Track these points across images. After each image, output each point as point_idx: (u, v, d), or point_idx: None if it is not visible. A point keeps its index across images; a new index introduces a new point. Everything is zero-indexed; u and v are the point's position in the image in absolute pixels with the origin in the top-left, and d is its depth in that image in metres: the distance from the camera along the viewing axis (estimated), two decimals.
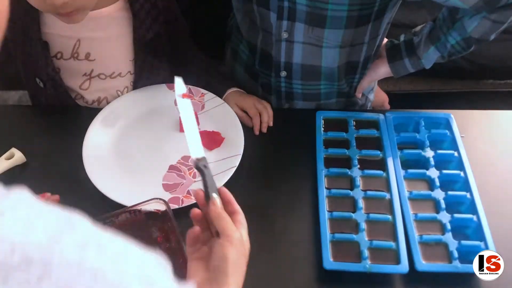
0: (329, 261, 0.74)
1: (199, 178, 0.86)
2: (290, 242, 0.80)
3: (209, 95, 1.01)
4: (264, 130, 0.97)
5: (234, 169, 0.87)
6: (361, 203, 0.82)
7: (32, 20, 0.91)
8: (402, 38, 0.97)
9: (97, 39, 0.95)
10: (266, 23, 0.92)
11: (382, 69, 1.00)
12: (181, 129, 0.96)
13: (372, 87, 1.15)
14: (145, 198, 0.78)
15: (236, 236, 0.56)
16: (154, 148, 0.94)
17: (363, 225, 0.79)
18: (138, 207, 0.76)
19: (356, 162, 0.88)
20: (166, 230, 0.76)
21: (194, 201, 0.80)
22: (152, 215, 0.77)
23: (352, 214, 0.81)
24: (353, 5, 0.84)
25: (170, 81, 1.07)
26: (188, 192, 0.85)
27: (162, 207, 0.76)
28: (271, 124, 0.97)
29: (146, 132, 0.96)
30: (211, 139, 0.94)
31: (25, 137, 0.97)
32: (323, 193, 0.83)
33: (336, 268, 0.74)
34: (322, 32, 0.89)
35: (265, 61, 1.00)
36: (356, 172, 0.87)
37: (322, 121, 0.95)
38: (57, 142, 0.97)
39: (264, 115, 0.98)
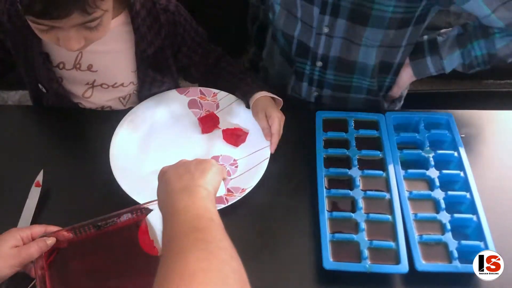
0: (329, 261, 0.74)
1: (234, 175, 0.88)
2: (290, 242, 0.81)
3: (221, 94, 1.01)
4: (273, 151, 0.91)
5: (268, 160, 0.88)
6: (361, 203, 0.82)
7: (32, 31, 0.89)
8: (425, 37, 0.98)
9: (99, 52, 0.95)
10: (308, 16, 0.93)
11: (405, 72, 1.01)
12: (203, 131, 0.97)
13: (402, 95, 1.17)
14: None
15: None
16: (181, 152, 0.93)
17: (363, 225, 0.79)
18: (141, 207, 0.76)
19: (356, 162, 0.88)
20: None
21: (239, 198, 0.82)
22: None
23: (352, 214, 0.81)
24: (399, 6, 0.85)
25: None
26: (229, 190, 0.85)
27: None
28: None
29: (169, 139, 0.96)
30: (236, 136, 0.95)
31: (34, 140, 0.99)
32: (323, 193, 0.83)
33: (336, 268, 0.74)
34: (363, 30, 0.90)
35: (302, 51, 1.01)
36: (356, 172, 0.87)
37: (322, 121, 0.95)
38: (71, 145, 0.98)
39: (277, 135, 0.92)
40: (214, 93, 1.02)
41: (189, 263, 0.47)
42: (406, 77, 1.03)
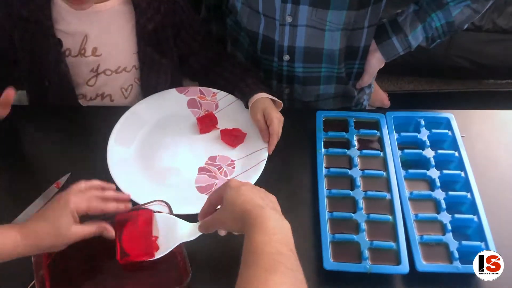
0: (330, 262, 0.74)
1: (231, 175, 0.88)
2: None
3: (221, 94, 1.01)
4: (270, 152, 0.91)
5: (265, 162, 0.88)
6: (361, 203, 0.82)
7: (47, 16, 0.93)
8: (385, 20, 1.01)
9: (103, 34, 0.97)
10: (270, 8, 0.94)
11: (374, 57, 1.03)
12: (201, 131, 0.96)
13: (370, 94, 1.19)
14: (181, 203, 0.77)
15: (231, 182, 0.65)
16: (179, 153, 0.93)
17: (364, 226, 0.79)
18: (140, 208, 0.76)
19: (356, 162, 0.88)
20: None
21: None
22: None
23: (352, 214, 0.81)
24: None
25: (174, 75, 1.08)
26: None
27: (164, 209, 0.76)
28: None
29: (167, 138, 0.96)
30: (234, 136, 0.94)
31: (32, 137, 0.99)
32: (323, 193, 0.83)
33: (336, 268, 0.74)
34: (325, 14, 0.91)
35: (267, 47, 1.01)
36: (356, 172, 0.87)
37: (323, 121, 0.95)
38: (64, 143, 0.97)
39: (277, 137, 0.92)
40: (213, 93, 1.02)
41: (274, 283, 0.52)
42: (375, 62, 1.05)
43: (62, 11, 0.94)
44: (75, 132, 0.99)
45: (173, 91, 1.03)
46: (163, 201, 0.75)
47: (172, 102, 1.01)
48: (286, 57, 1.01)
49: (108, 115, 0.97)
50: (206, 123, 0.97)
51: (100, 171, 0.86)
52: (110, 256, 0.72)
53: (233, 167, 0.91)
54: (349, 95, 1.12)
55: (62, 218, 0.66)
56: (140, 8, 0.97)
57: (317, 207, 0.82)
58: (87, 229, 0.68)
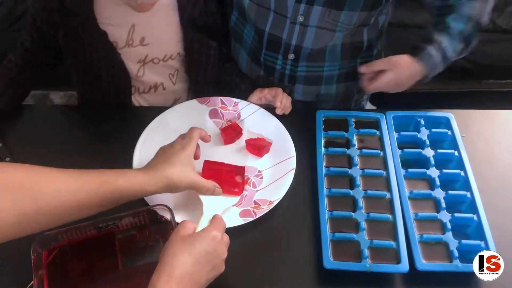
0: (330, 261, 0.74)
1: (259, 187, 0.87)
2: (291, 241, 0.80)
3: (242, 103, 1.00)
4: (287, 112, 0.99)
5: (293, 171, 0.87)
6: (361, 203, 0.82)
7: (91, 10, 0.93)
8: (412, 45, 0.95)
9: (150, 23, 0.97)
10: (282, 6, 0.93)
11: (414, 70, 0.93)
12: (225, 142, 0.94)
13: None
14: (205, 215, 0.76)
15: (210, 232, 0.63)
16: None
17: (364, 225, 0.79)
18: (143, 211, 0.76)
19: (356, 161, 0.88)
20: (167, 237, 0.75)
21: (267, 211, 0.81)
22: (156, 221, 0.77)
23: (352, 213, 0.81)
24: None
25: (220, 62, 1.09)
26: (256, 203, 0.84)
27: (166, 214, 0.76)
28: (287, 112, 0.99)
29: None
30: (259, 146, 0.92)
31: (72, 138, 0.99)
32: (323, 192, 0.83)
33: (336, 267, 0.74)
34: (338, 15, 0.90)
35: (273, 45, 1.01)
36: (356, 171, 0.87)
37: (323, 121, 0.95)
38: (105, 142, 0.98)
39: (284, 99, 0.99)
40: (235, 102, 1.00)
41: None
42: (410, 74, 0.94)
43: (106, 4, 0.94)
44: (104, 133, 0.99)
45: (194, 102, 1.01)
46: (165, 206, 0.75)
47: (194, 113, 0.99)
48: (291, 56, 1.01)
49: (141, 117, 0.98)
50: (230, 133, 0.95)
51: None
52: (109, 258, 0.72)
53: (261, 178, 0.89)
54: (349, 95, 1.12)
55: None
56: None
57: (317, 206, 0.82)
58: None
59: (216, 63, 1.08)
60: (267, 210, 0.81)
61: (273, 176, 0.88)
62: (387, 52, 1.44)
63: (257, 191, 0.87)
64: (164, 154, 0.75)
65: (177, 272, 0.58)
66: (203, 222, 0.69)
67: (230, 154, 0.93)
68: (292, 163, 0.89)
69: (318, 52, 0.99)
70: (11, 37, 1.59)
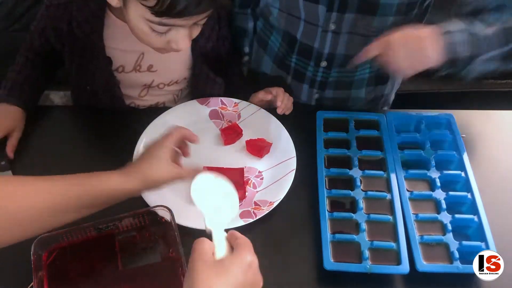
0: (330, 262, 0.74)
1: (260, 188, 0.87)
2: (291, 242, 0.80)
3: (242, 104, 1.00)
4: (287, 112, 0.98)
5: (294, 172, 0.87)
6: (361, 204, 0.82)
7: (98, 36, 0.91)
8: None
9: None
10: (313, 16, 0.92)
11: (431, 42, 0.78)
12: (225, 142, 0.94)
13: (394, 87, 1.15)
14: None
15: (245, 258, 0.54)
16: (204, 164, 0.89)
17: (364, 226, 0.79)
18: (142, 212, 0.76)
19: (356, 162, 0.88)
20: (168, 238, 0.76)
21: (267, 212, 0.80)
22: (156, 222, 0.77)
23: (352, 214, 0.81)
24: None
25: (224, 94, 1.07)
26: (256, 204, 0.84)
27: (166, 215, 0.76)
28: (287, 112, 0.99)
29: (191, 149, 0.90)
30: (259, 147, 0.92)
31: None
32: (323, 193, 0.83)
33: (336, 268, 0.74)
34: (371, 21, 0.89)
35: (305, 53, 1.00)
36: (356, 172, 0.87)
37: (323, 121, 0.95)
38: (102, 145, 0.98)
39: (286, 99, 0.98)
40: (235, 103, 1.00)
41: None
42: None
43: (117, 30, 0.92)
44: (104, 134, 0.99)
45: (194, 103, 1.00)
46: (165, 207, 0.75)
47: (194, 114, 0.99)
48: (324, 64, 0.99)
49: (139, 118, 0.97)
50: (231, 134, 0.95)
51: None
52: (109, 259, 0.72)
53: (262, 178, 0.89)
54: (377, 97, 1.10)
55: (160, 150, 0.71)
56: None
57: (317, 207, 0.82)
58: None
59: (222, 91, 1.08)
60: (267, 211, 0.81)
61: (273, 177, 0.88)
62: None
63: (257, 192, 0.86)
64: (144, 152, 0.74)
65: None
66: (218, 241, 0.58)
67: (230, 155, 0.93)
68: (293, 163, 0.88)
69: (352, 59, 0.96)
70: (11, 37, 1.60)
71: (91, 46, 0.93)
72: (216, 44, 1.03)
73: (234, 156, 0.93)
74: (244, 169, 0.90)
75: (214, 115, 0.99)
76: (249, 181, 0.88)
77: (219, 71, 1.06)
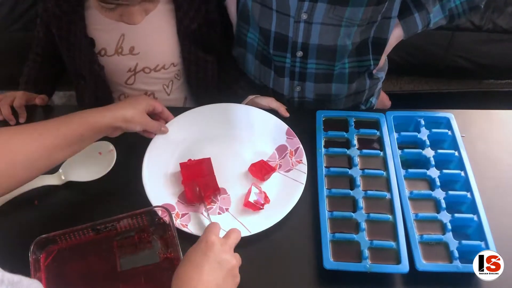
0: (330, 261, 0.74)
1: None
2: (290, 242, 0.80)
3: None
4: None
5: (305, 174, 0.86)
6: (361, 203, 0.82)
7: (80, 16, 0.93)
8: None
9: (141, 33, 0.97)
10: (285, 6, 0.92)
11: (393, 34, 1.01)
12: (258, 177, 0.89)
13: (379, 90, 1.17)
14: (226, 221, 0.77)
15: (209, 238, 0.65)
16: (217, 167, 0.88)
17: (364, 225, 0.79)
18: (140, 213, 0.76)
19: (356, 161, 0.88)
20: (166, 239, 0.76)
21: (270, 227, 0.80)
22: (154, 223, 0.77)
23: (352, 213, 0.80)
24: None
25: (217, 74, 1.09)
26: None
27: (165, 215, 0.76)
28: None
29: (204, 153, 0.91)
30: (263, 172, 0.88)
31: None
32: (323, 192, 0.83)
33: (336, 268, 0.74)
34: (343, 11, 0.90)
35: (280, 44, 1.00)
36: (356, 171, 0.87)
37: (323, 121, 0.95)
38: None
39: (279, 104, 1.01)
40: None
41: None
42: (393, 39, 1.03)
43: (96, 11, 0.93)
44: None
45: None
46: (163, 207, 0.75)
47: (207, 116, 0.96)
48: (300, 53, 1.00)
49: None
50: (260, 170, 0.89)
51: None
52: (107, 260, 0.72)
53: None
54: (360, 91, 1.11)
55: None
56: (183, 8, 0.97)
57: (317, 206, 0.82)
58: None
59: (216, 76, 1.08)
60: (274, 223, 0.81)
61: (278, 198, 0.86)
62: (398, 52, 1.44)
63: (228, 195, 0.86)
64: (125, 100, 0.88)
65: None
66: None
67: (233, 178, 0.89)
68: (299, 190, 0.85)
69: (328, 51, 0.98)
70: (11, 37, 1.60)
71: (74, 28, 0.94)
72: (206, 29, 1.02)
73: (238, 179, 0.89)
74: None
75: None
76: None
77: (209, 50, 1.05)
